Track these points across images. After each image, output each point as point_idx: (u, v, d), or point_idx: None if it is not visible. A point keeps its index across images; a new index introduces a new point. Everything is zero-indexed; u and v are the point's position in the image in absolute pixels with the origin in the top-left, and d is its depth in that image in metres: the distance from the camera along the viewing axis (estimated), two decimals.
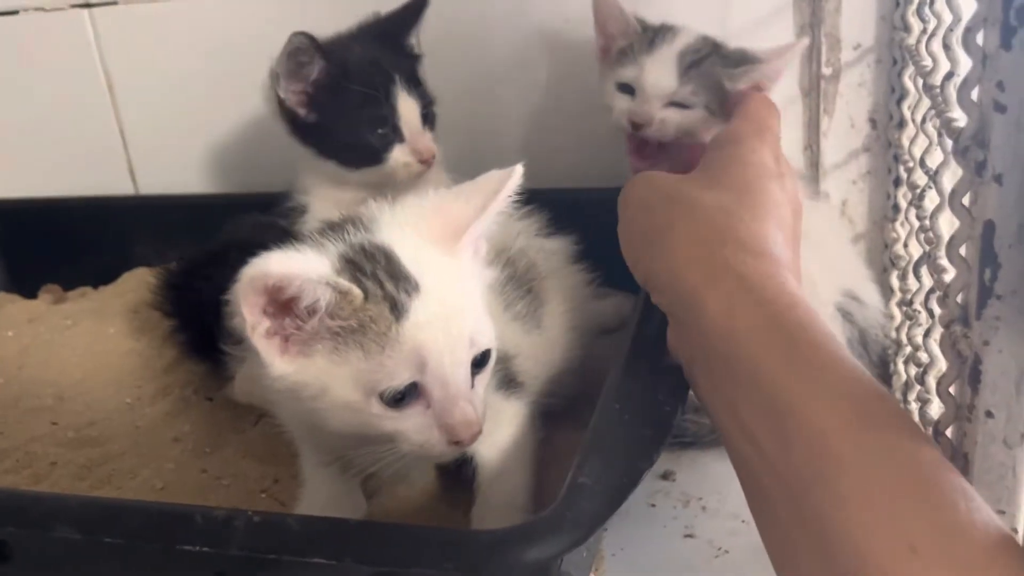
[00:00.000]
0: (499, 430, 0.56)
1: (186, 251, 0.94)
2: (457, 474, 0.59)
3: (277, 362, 0.45)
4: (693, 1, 0.82)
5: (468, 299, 0.48)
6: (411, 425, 0.46)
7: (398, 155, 0.72)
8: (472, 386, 0.48)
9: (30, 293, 1.00)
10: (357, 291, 0.44)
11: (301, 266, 0.43)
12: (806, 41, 0.72)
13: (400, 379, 0.45)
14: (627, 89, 0.75)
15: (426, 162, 0.73)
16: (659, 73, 0.72)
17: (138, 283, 0.96)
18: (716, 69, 0.71)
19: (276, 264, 0.42)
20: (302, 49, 0.69)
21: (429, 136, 0.74)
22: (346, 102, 0.70)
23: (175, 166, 1.01)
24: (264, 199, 0.88)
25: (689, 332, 0.47)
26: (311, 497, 0.56)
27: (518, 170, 0.49)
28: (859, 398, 0.40)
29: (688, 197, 0.51)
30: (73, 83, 1.00)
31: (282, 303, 0.44)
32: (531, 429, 0.58)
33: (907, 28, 0.72)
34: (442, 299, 0.46)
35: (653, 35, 0.74)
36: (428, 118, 0.74)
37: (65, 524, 0.44)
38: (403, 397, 0.46)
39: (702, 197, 0.50)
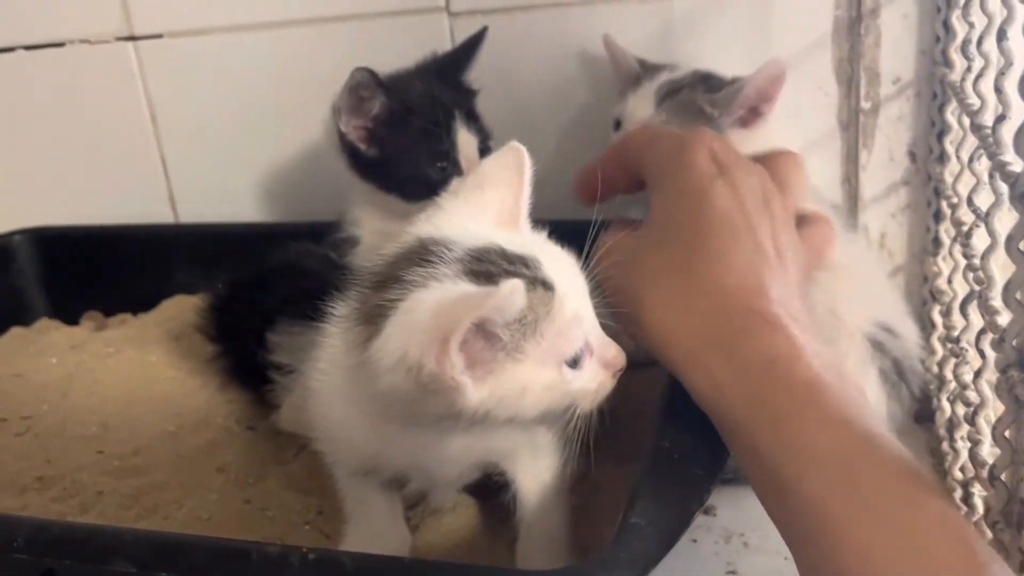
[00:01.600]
0: (540, 461, 0.56)
1: (225, 279, 0.97)
2: (498, 505, 0.59)
3: (474, 394, 0.44)
4: (730, 37, 0.83)
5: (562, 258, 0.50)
6: (589, 375, 0.49)
7: (456, 188, 0.73)
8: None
9: (71, 319, 1.01)
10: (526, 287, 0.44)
11: (489, 294, 0.42)
12: (782, 62, 0.72)
13: (579, 340, 0.48)
14: (618, 126, 0.79)
15: None
16: (636, 105, 0.76)
17: (178, 311, 0.97)
18: (695, 96, 0.74)
19: (480, 302, 0.42)
20: (364, 84, 0.70)
21: None
22: (407, 137, 0.71)
23: (215, 196, 1.02)
24: (302, 228, 0.90)
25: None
26: (357, 532, 0.57)
27: (518, 146, 0.52)
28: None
29: (647, 267, 0.50)
30: (117, 114, 1.02)
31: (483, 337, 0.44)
32: (572, 459, 0.57)
33: (949, 64, 0.72)
34: (553, 264, 0.48)
35: (643, 75, 0.78)
36: (485, 152, 0.75)
37: (121, 558, 0.45)
38: (579, 358, 0.48)
39: (657, 264, 0.50)
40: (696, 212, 0.48)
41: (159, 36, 0.98)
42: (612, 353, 0.50)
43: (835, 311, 0.68)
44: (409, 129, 0.70)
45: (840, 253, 0.73)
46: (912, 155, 0.82)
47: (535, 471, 0.56)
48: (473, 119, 0.74)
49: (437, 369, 0.42)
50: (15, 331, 0.98)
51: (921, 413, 0.77)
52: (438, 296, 0.44)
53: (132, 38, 0.99)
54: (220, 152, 1.01)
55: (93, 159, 1.04)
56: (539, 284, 0.46)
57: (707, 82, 0.74)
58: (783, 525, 0.41)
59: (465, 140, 0.73)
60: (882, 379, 0.69)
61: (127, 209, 1.04)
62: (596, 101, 0.88)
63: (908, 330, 0.73)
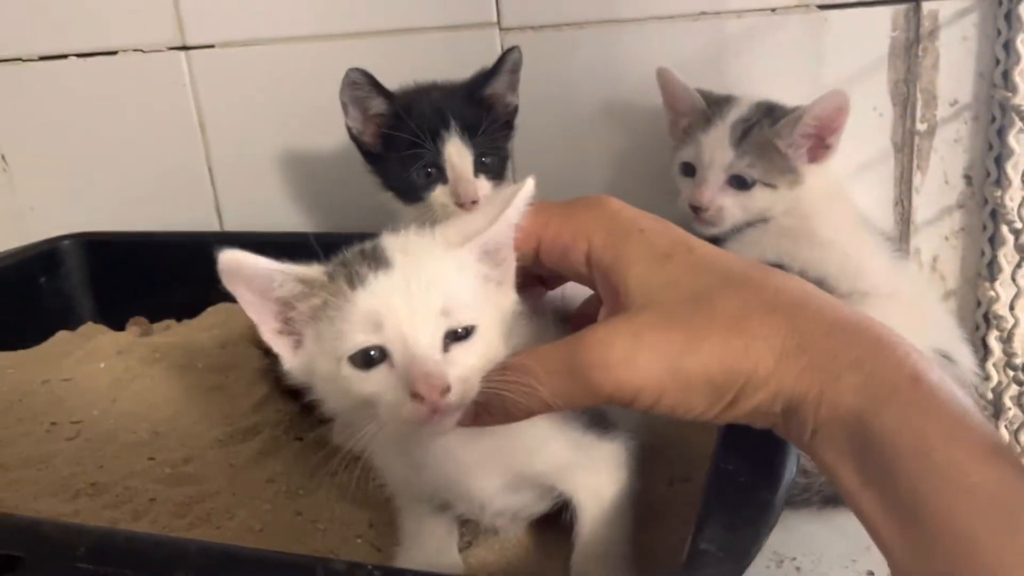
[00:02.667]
0: (596, 474, 0.55)
1: None
2: (553, 522, 0.59)
3: (289, 359, 0.49)
4: (784, 56, 0.82)
5: (449, 280, 0.48)
6: (379, 384, 0.46)
7: (438, 195, 0.75)
8: (446, 352, 0.47)
9: (115, 324, 1.02)
10: (317, 275, 0.47)
11: (257, 259, 0.47)
12: (844, 92, 0.71)
13: (355, 340, 0.46)
14: (688, 170, 0.76)
15: (463, 205, 0.75)
16: (713, 149, 0.74)
17: (222, 318, 0.98)
18: (765, 132, 0.72)
19: (233, 257, 0.47)
20: (357, 83, 0.76)
21: (477, 183, 0.75)
22: (400, 140, 0.74)
23: (260, 205, 1.03)
24: (347, 239, 0.90)
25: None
26: (409, 554, 0.56)
27: (529, 183, 0.49)
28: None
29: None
30: (166, 122, 1.03)
31: (281, 304, 0.48)
32: (631, 473, 0.56)
33: (1011, 87, 0.72)
34: (410, 275, 0.47)
35: (711, 112, 0.76)
36: (487, 167, 0.76)
37: (185, 570, 0.45)
38: (371, 362, 0.46)
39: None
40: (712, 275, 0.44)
41: (211, 46, 0.99)
42: (416, 376, 0.44)
43: None
44: (403, 133, 0.74)
45: (894, 279, 0.73)
46: (968, 178, 0.81)
47: (594, 487, 0.55)
48: (474, 133, 0.75)
49: (251, 317, 0.48)
50: (62, 335, 0.99)
51: None
52: None
53: (184, 48, 1.00)
54: (267, 162, 1.02)
55: (142, 166, 1.06)
56: (345, 278, 0.47)
57: (771, 114, 0.74)
58: (905, 551, 0.38)
59: (456, 151, 0.74)
60: None
61: (174, 216, 1.05)
62: (646, 117, 0.88)
63: (963, 356, 0.72)
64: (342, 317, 0.46)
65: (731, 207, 0.73)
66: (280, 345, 0.49)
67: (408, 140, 0.74)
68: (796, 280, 0.44)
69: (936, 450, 0.37)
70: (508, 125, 0.79)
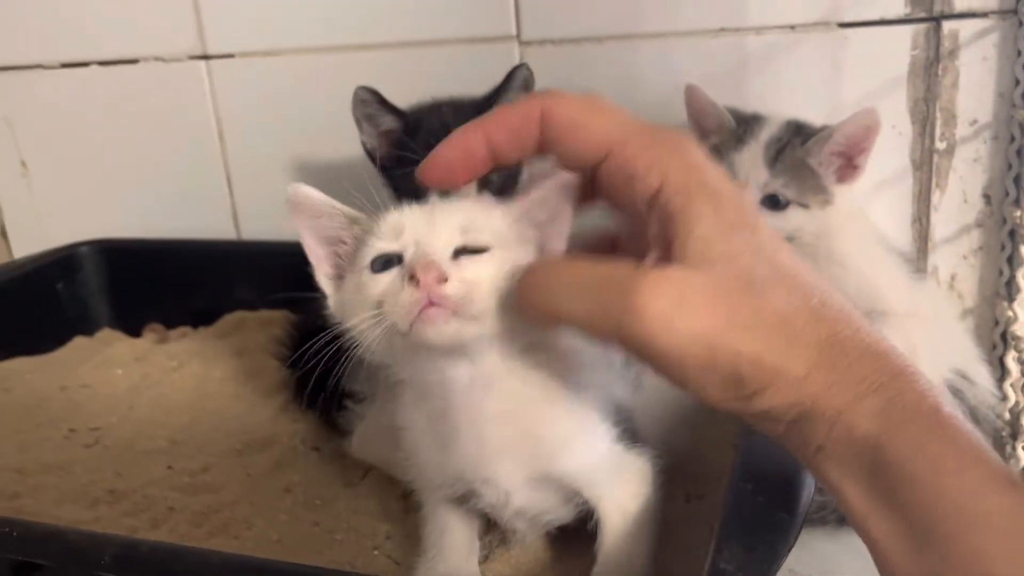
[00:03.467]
0: (623, 486, 0.55)
1: (283, 295, 0.98)
2: (571, 535, 0.59)
3: (332, 296, 0.53)
4: (804, 73, 0.82)
5: (474, 209, 0.51)
6: (389, 282, 0.48)
7: None
8: (455, 259, 0.48)
9: (132, 330, 1.03)
10: (361, 215, 0.51)
11: (319, 194, 0.52)
12: (875, 111, 0.70)
13: (377, 247, 0.49)
14: None
15: None
16: (747, 168, 0.73)
17: (238, 326, 0.98)
18: (797, 151, 0.72)
19: (302, 188, 0.52)
20: (366, 101, 0.79)
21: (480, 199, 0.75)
22: (406, 156, 0.75)
23: (277, 213, 1.03)
24: None
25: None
26: (429, 566, 0.57)
27: (568, 177, 0.48)
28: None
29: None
30: (186, 130, 1.04)
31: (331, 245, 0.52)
32: (655, 490, 0.56)
33: None
34: (440, 207, 0.51)
35: (742, 131, 0.75)
36: (492, 183, 0.75)
37: None
38: (388, 266, 0.48)
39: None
40: (758, 247, 0.42)
41: (231, 56, 1.00)
42: (416, 261, 0.46)
43: (914, 355, 0.67)
44: (411, 150, 0.75)
45: (912, 299, 0.73)
46: (987, 197, 0.81)
47: (620, 498, 0.55)
48: None
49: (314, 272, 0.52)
50: (78, 340, 0.99)
51: None
52: None
53: (204, 57, 1.01)
54: (284, 171, 1.02)
55: (161, 174, 1.06)
56: (384, 210, 0.51)
57: (801, 133, 0.73)
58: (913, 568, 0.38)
59: None
60: None
61: (191, 223, 1.05)
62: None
63: (982, 377, 0.72)
64: (373, 235, 0.50)
65: None
66: (329, 287, 0.53)
67: (416, 158, 0.74)
68: (840, 295, 0.43)
69: (952, 475, 0.37)
70: None
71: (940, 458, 0.37)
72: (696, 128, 0.78)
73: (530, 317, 0.45)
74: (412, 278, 0.45)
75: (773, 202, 0.72)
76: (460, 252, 0.48)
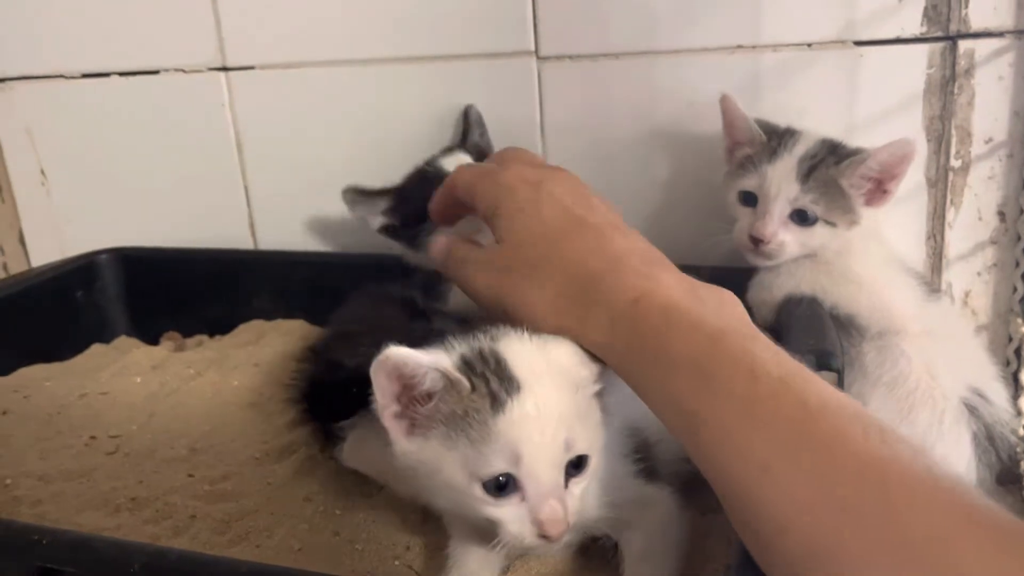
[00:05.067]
0: (645, 514, 0.57)
1: (298, 304, 1.00)
2: (594, 554, 0.59)
3: (402, 441, 0.52)
4: (819, 90, 0.83)
5: (568, 404, 0.51)
6: (507, 514, 0.50)
7: None
8: (567, 487, 0.51)
9: (149, 338, 1.04)
10: (465, 382, 0.50)
11: (419, 356, 0.49)
12: (912, 141, 0.72)
13: (495, 467, 0.49)
14: (750, 199, 0.76)
15: None
16: (779, 181, 0.74)
17: (255, 335, 0.99)
18: (831, 170, 0.72)
19: (401, 354, 0.49)
20: (355, 200, 0.89)
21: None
22: (408, 219, 0.86)
23: (294, 224, 1.05)
24: (379, 260, 0.92)
25: None
26: (454, 572, 0.57)
27: None
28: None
29: (512, 281, 0.55)
30: (204, 141, 1.05)
31: (409, 390, 0.50)
32: (679, 515, 0.58)
33: None
34: (539, 401, 0.50)
35: (776, 144, 0.75)
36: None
37: None
38: (504, 488, 0.50)
39: (520, 277, 0.55)
40: (533, 225, 0.55)
41: (251, 68, 1.01)
42: (544, 516, 0.49)
43: (932, 372, 0.67)
44: (406, 215, 0.86)
45: (925, 318, 0.73)
46: (1001, 214, 0.82)
47: (639, 523, 0.56)
48: None
49: (377, 405, 0.51)
50: (96, 348, 1.00)
51: (1003, 476, 0.76)
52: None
53: (224, 69, 1.02)
54: (301, 183, 1.04)
55: (179, 184, 1.07)
56: (487, 396, 0.49)
57: (835, 152, 0.74)
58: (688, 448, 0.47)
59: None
60: (974, 444, 0.68)
61: (209, 233, 1.06)
62: (682, 148, 0.89)
63: (997, 395, 0.72)
64: (482, 440, 0.49)
65: (791, 242, 0.73)
66: (395, 427, 0.52)
67: (412, 219, 0.84)
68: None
69: (657, 341, 0.47)
70: None
71: (644, 334, 0.48)
72: (728, 137, 0.79)
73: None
74: (544, 536, 0.49)
75: (801, 217, 0.73)
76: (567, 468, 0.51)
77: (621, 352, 0.50)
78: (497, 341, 0.53)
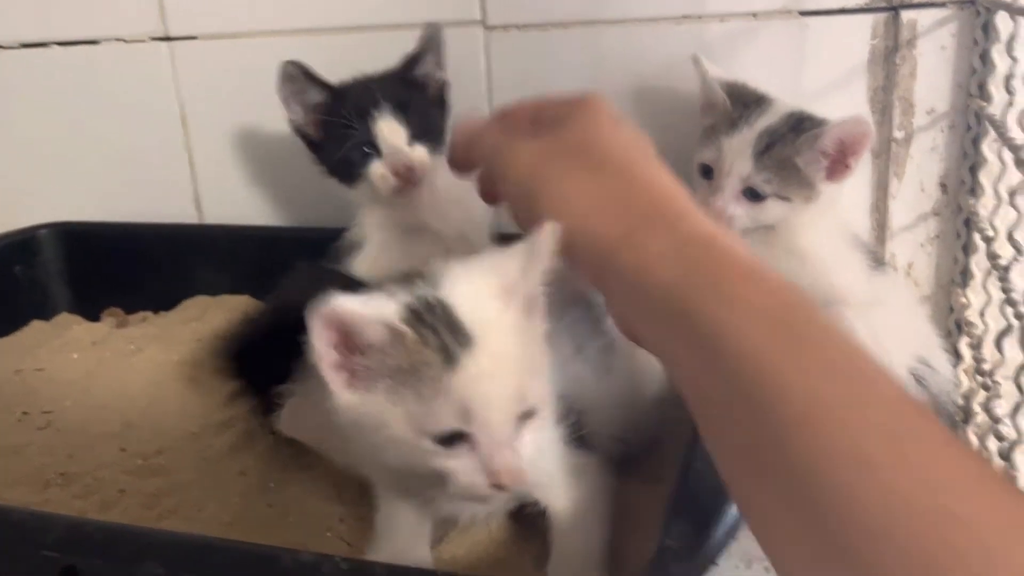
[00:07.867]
0: (572, 481, 0.56)
1: (244, 280, 0.98)
2: (525, 518, 0.59)
3: (343, 394, 0.48)
4: (764, 61, 0.83)
5: (520, 356, 0.48)
6: (458, 465, 0.47)
7: (375, 169, 0.78)
8: (519, 436, 0.48)
9: (91, 315, 1.01)
10: (411, 333, 0.46)
11: (363, 306, 0.46)
12: (867, 120, 0.71)
13: (446, 424, 0.46)
14: (708, 172, 0.75)
15: (400, 175, 0.78)
16: (733, 157, 0.72)
17: (199, 311, 0.98)
18: (787, 148, 0.71)
19: (342, 303, 0.45)
20: (293, 76, 0.79)
21: (412, 151, 0.78)
22: (336, 124, 0.78)
23: (240, 198, 1.03)
24: (325, 234, 0.90)
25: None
26: (380, 549, 0.56)
27: (548, 229, 0.48)
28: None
29: (552, 169, 0.50)
30: (147, 113, 1.02)
31: (349, 340, 0.47)
32: (608, 483, 0.57)
33: (986, 97, 0.72)
34: (493, 354, 0.47)
35: (738, 116, 0.73)
36: (422, 140, 0.79)
37: (151, 560, 0.45)
38: (452, 439, 0.47)
39: (563, 169, 0.49)
40: (605, 138, 0.50)
41: (193, 38, 0.99)
42: (498, 466, 0.47)
43: (878, 342, 0.67)
44: (338, 117, 0.78)
45: (876, 287, 0.73)
46: (943, 186, 0.82)
47: (567, 490, 0.55)
48: (406, 110, 0.78)
49: (316, 355, 0.46)
50: (36, 324, 0.98)
51: None
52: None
53: (167, 38, 0.99)
54: (247, 155, 1.02)
55: (122, 157, 1.05)
56: (439, 351, 0.46)
57: (798, 127, 0.71)
58: (709, 388, 0.40)
59: (388, 128, 0.78)
60: None
61: (153, 207, 1.04)
62: (629, 119, 0.88)
63: (942, 365, 0.73)
64: (433, 396, 0.46)
65: (742, 217, 0.72)
66: (335, 379, 0.48)
67: (343, 123, 0.78)
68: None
69: (732, 284, 0.41)
70: (441, 102, 0.83)
71: (715, 271, 0.42)
72: (701, 100, 0.77)
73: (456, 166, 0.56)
74: (498, 486, 0.47)
75: (752, 194, 0.72)
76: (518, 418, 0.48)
77: (674, 278, 0.42)
78: (441, 287, 0.49)
